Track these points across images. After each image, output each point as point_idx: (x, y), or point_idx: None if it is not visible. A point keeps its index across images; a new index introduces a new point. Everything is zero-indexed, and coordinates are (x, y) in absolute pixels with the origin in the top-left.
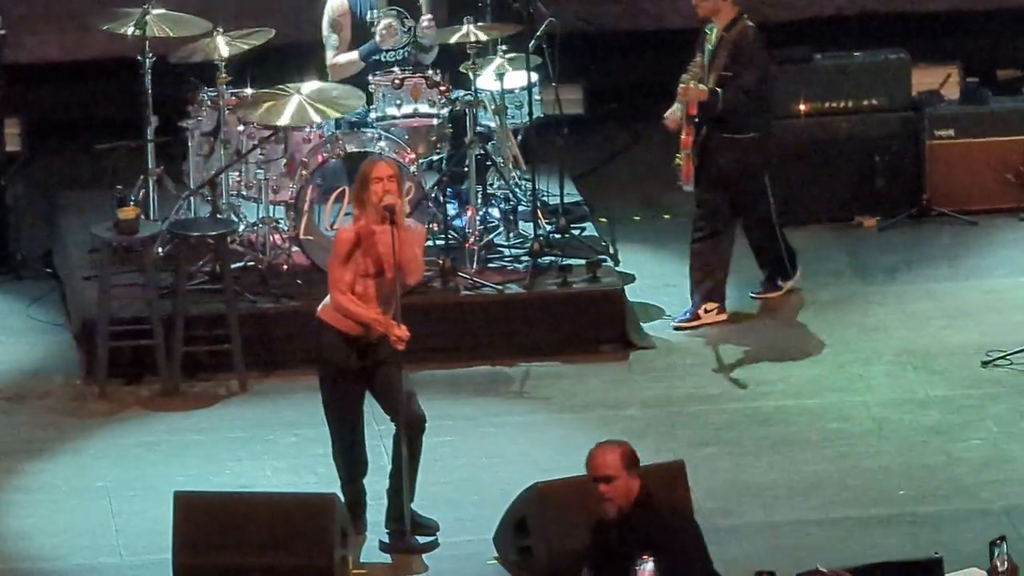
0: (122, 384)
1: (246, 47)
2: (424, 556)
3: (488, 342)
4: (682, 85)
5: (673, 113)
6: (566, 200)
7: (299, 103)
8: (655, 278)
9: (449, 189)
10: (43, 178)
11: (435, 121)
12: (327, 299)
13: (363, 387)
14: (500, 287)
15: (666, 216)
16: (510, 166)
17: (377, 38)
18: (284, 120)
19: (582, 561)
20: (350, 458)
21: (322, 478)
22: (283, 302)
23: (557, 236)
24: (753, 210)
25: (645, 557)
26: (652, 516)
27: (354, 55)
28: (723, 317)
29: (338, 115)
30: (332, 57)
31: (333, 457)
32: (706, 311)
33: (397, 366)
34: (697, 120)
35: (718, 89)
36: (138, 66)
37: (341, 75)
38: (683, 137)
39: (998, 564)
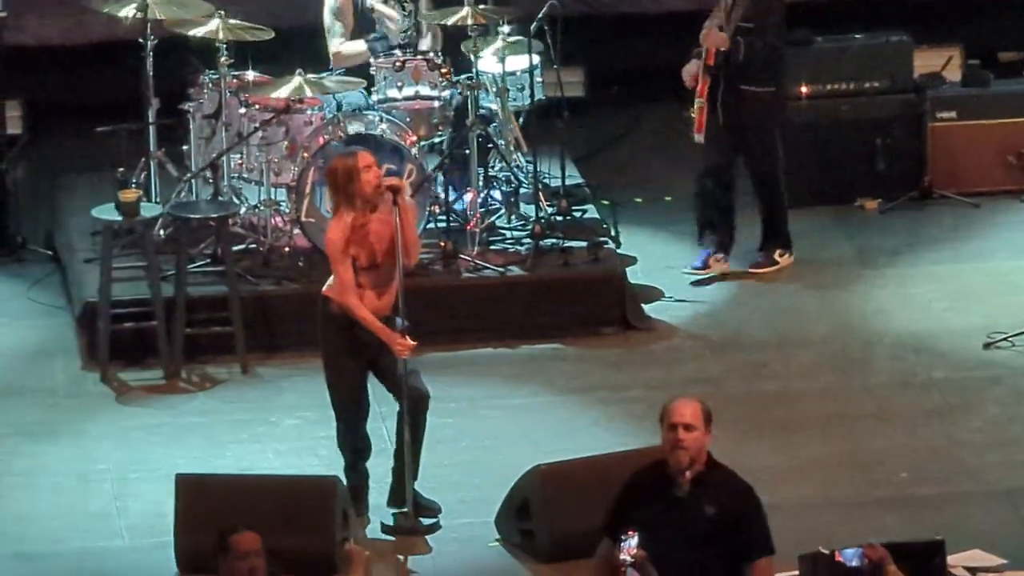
0: (123, 367)
1: (246, 37)
2: (426, 538)
3: (490, 324)
4: (705, 29)
5: (690, 67)
6: (567, 182)
7: (299, 83)
8: (656, 260)
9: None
10: (44, 161)
11: (436, 103)
12: (331, 278)
13: (366, 367)
14: (502, 269)
15: (667, 198)
16: (512, 148)
17: (387, 32)
18: (282, 94)
19: (624, 523)
20: (353, 440)
21: (324, 460)
22: (284, 284)
23: (558, 218)
24: (761, 165)
25: (630, 533)
26: (724, 478)
27: (362, 45)
28: (727, 267)
29: (336, 92)
30: (337, 45)
31: (337, 439)
32: (716, 260)
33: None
34: (714, 72)
35: (739, 39)
36: (139, 48)
37: (347, 64)
38: (699, 87)
39: None
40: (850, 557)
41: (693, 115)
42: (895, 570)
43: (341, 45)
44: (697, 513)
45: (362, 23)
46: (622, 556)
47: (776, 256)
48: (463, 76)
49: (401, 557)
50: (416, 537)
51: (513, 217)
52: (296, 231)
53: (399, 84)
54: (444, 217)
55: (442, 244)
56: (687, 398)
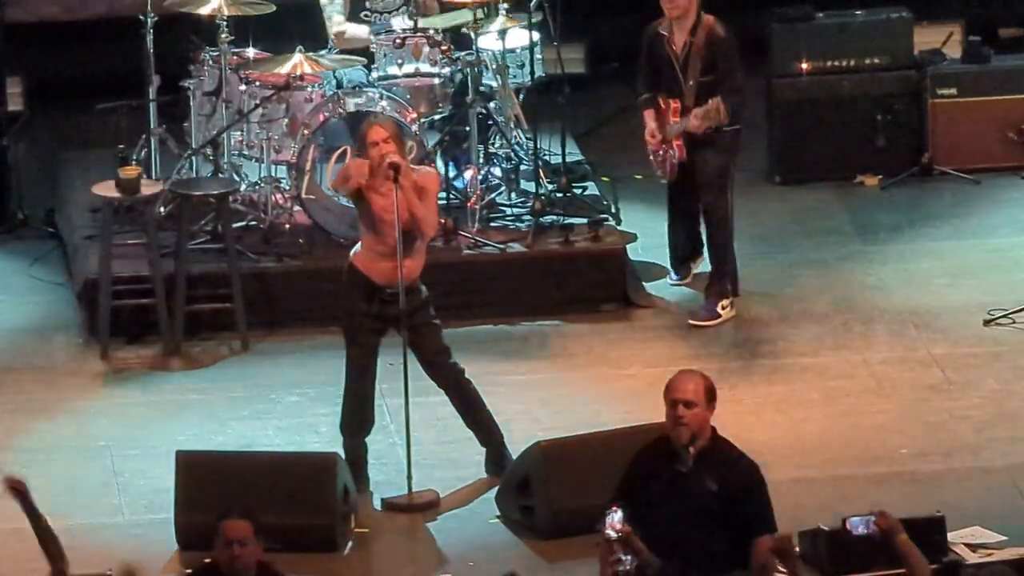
0: (124, 343)
1: (246, 11)
2: (426, 515)
3: (490, 301)
4: (705, 108)
5: (656, 134)
6: (568, 159)
7: (299, 59)
8: (657, 237)
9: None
10: (45, 137)
11: (437, 80)
12: (358, 245)
13: (380, 336)
14: (502, 246)
15: None
16: (512, 125)
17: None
18: (283, 70)
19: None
20: (358, 409)
21: (324, 437)
22: (285, 261)
23: (559, 195)
24: (717, 208)
25: (614, 508)
26: (728, 454)
27: (366, 29)
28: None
29: (336, 68)
30: (338, 24)
31: (341, 412)
32: (722, 308)
33: (429, 323)
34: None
35: (725, 104)
36: (140, 25)
37: (349, 45)
38: (677, 143)
39: None
40: (859, 524)
41: (660, 162)
42: (906, 539)
43: (342, 25)
44: (700, 488)
45: (360, 1)
46: (607, 531)
47: (719, 309)
48: (463, 53)
49: (401, 534)
50: (415, 514)
51: (513, 194)
52: (296, 208)
53: (399, 61)
54: (444, 194)
55: (442, 221)
56: (689, 373)
